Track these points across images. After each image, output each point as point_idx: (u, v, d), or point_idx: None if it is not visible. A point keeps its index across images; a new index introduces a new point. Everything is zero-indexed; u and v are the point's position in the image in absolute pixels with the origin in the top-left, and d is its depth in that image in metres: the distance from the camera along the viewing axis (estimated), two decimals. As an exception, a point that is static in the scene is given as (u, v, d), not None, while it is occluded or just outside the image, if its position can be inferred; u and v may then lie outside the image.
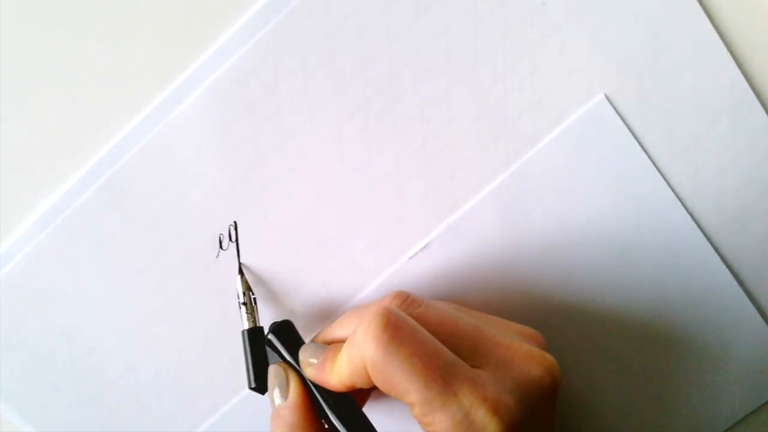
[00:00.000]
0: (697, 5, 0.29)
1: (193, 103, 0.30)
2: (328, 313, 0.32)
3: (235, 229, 0.31)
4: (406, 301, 0.28)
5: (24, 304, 0.32)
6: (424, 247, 0.32)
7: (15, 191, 0.31)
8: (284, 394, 0.28)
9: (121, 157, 0.31)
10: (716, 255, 0.31)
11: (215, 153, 0.31)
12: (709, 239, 0.31)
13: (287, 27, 0.29)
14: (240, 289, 0.31)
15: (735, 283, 0.32)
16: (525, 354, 0.26)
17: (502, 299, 0.32)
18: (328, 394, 0.27)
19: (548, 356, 0.26)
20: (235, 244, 0.31)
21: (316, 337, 0.31)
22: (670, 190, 0.31)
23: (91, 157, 0.31)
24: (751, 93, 0.30)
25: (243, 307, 0.30)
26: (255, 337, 0.30)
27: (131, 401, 0.33)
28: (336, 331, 0.29)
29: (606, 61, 0.30)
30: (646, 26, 0.29)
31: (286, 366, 0.29)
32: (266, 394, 0.29)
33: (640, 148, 0.30)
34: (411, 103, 0.30)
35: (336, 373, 0.26)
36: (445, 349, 0.25)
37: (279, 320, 0.30)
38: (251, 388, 0.29)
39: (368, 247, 0.32)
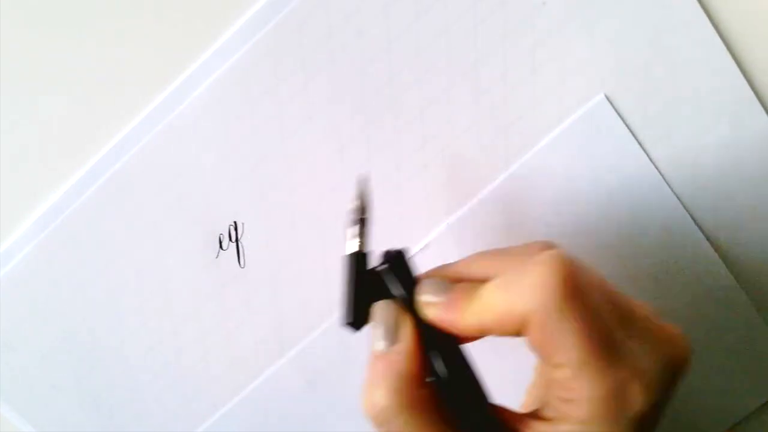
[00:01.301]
0: (697, 5, 0.29)
1: (193, 103, 0.30)
2: (327, 313, 0.32)
3: (235, 229, 0.31)
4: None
5: (24, 304, 0.32)
6: (424, 247, 0.32)
7: (15, 191, 0.31)
8: (392, 337, 0.23)
9: (121, 157, 0.31)
10: (716, 255, 0.31)
11: (215, 153, 0.31)
12: (709, 239, 0.31)
13: (287, 27, 0.29)
14: (357, 203, 0.25)
15: (735, 283, 0.32)
16: (670, 333, 0.23)
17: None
18: (441, 342, 0.23)
19: (686, 337, 0.23)
20: (235, 244, 0.31)
21: (432, 272, 0.26)
22: (670, 190, 0.31)
23: (91, 157, 0.31)
24: (751, 93, 0.30)
25: (356, 226, 0.25)
26: (360, 265, 0.25)
27: (131, 401, 0.33)
28: (468, 268, 0.25)
29: (606, 61, 0.30)
30: (646, 26, 0.29)
31: (398, 304, 0.24)
32: (366, 331, 0.24)
33: (640, 148, 0.30)
34: (411, 103, 0.30)
35: (471, 315, 0.22)
36: (612, 313, 0.22)
37: (393, 249, 0.25)
38: (346, 325, 0.24)
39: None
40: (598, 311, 0.21)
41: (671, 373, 0.22)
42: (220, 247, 0.31)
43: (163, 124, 0.30)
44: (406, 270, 0.24)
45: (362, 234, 0.25)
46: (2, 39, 0.29)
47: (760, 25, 0.30)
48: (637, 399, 0.21)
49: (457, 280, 0.24)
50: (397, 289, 0.24)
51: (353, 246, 0.25)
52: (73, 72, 0.30)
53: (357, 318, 0.24)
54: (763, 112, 0.30)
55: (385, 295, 0.24)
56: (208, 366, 0.33)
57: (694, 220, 0.31)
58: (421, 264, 0.32)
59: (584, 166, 0.31)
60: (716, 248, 0.31)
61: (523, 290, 0.21)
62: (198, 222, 0.31)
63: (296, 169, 0.31)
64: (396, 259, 0.24)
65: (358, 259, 0.25)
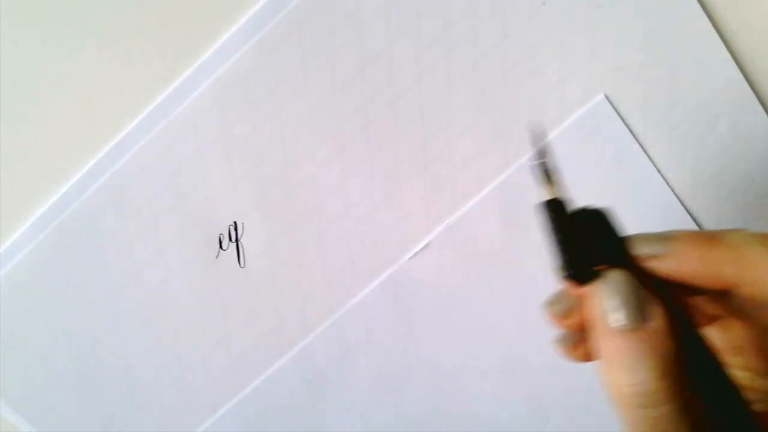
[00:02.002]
0: (697, 5, 0.29)
1: (193, 103, 0.30)
2: (327, 313, 0.32)
3: (235, 229, 0.31)
4: None
5: (24, 304, 0.32)
6: (424, 247, 0.32)
7: (15, 191, 0.31)
8: (640, 315, 0.19)
9: (121, 157, 0.31)
10: (716, 255, 0.31)
11: (215, 153, 0.31)
12: (709, 239, 0.31)
13: (287, 27, 0.29)
14: (541, 149, 0.23)
15: (735, 283, 0.32)
16: None
17: (502, 299, 0.32)
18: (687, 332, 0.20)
19: None
20: (235, 244, 0.31)
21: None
22: (670, 190, 0.31)
23: (91, 157, 0.31)
24: (751, 93, 0.30)
25: (543, 173, 0.22)
26: (561, 212, 0.22)
27: (131, 401, 0.33)
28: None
29: (606, 61, 0.30)
30: (646, 26, 0.29)
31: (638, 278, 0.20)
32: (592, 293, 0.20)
33: (640, 148, 0.30)
34: (411, 103, 0.30)
35: (721, 260, 0.19)
36: None
37: (590, 207, 0.22)
38: (568, 277, 0.20)
39: (368, 246, 0.32)
40: None
41: None
42: (220, 247, 0.31)
43: (163, 124, 0.30)
44: (614, 232, 0.21)
45: (551, 180, 0.22)
46: (2, 39, 0.29)
47: (760, 25, 0.30)
48: None
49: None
50: (615, 252, 0.20)
51: (550, 193, 0.22)
52: (74, 72, 0.30)
53: (578, 270, 0.20)
54: (763, 112, 0.30)
55: (602, 256, 0.20)
56: (208, 366, 0.33)
57: (694, 220, 0.31)
58: (421, 264, 0.32)
59: (584, 165, 0.31)
60: (716, 248, 0.31)
61: None
62: (198, 222, 0.31)
63: (296, 169, 0.31)
64: (599, 217, 0.21)
65: (556, 206, 0.21)
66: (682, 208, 0.31)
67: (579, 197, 0.32)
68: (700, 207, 0.31)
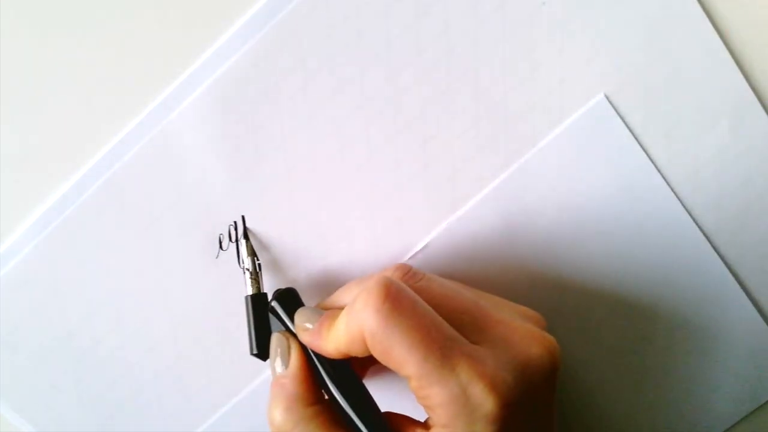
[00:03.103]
0: (697, 5, 0.29)
1: (193, 103, 0.30)
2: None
3: (235, 229, 0.31)
4: (408, 273, 0.27)
5: (24, 304, 0.32)
6: (424, 247, 0.32)
7: (15, 191, 0.31)
8: (285, 363, 0.27)
9: (121, 157, 0.31)
10: (716, 255, 0.31)
11: (215, 153, 0.31)
12: (709, 239, 0.31)
13: (287, 27, 0.29)
14: (244, 254, 0.30)
15: (735, 283, 0.32)
16: (525, 333, 0.25)
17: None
18: (329, 364, 0.27)
19: (549, 336, 0.25)
20: (235, 244, 0.31)
21: (316, 305, 0.30)
22: (670, 190, 0.31)
23: (91, 157, 0.31)
24: (751, 93, 0.30)
25: (247, 273, 0.30)
26: (258, 304, 0.29)
27: (131, 401, 0.33)
28: (337, 299, 0.29)
29: (606, 61, 0.30)
30: (646, 26, 0.29)
31: (288, 334, 0.28)
32: (267, 361, 0.29)
33: (640, 148, 0.30)
34: (411, 103, 0.30)
35: (332, 339, 0.25)
36: (444, 323, 0.24)
37: (283, 288, 0.29)
38: (253, 355, 0.29)
39: (368, 247, 0.32)
40: (425, 324, 0.24)
41: (525, 370, 0.24)
42: (220, 247, 0.31)
43: (163, 124, 0.30)
44: (295, 303, 0.29)
45: (256, 277, 0.30)
46: (2, 39, 0.29)
47: (760, 25, 0.30)
48: (485, 399, 0.23)
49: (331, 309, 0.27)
50: (288, 321, 0.28)
51: (249, 290, 0.30)
52: (73, 72, 0.30)
53: (260, 349, 0.29)
54: (763, 112, 0.30)
55: (282, 327, 0.28)
56: (208, 366, 0.33)
57: (694, 220, 0.31)
58: (420, 264, 0.32)
59: (584, 166, 0.31)
60: (716, 248, 0.31)
61: (358, 313, 0.24)
62: (198, 222, 0.31)
63: (296, 169, 0.31)
64: (284, 295, 0.29)
65: (255, 300, 0.29)
66: (682, 208, 0.31)
67: (579, 197, 0.32)
68: (700, 207, 0.31)
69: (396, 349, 0.23)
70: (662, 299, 0.32)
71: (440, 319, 0.24)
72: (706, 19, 0.29)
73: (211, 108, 0.30)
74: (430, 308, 0.24)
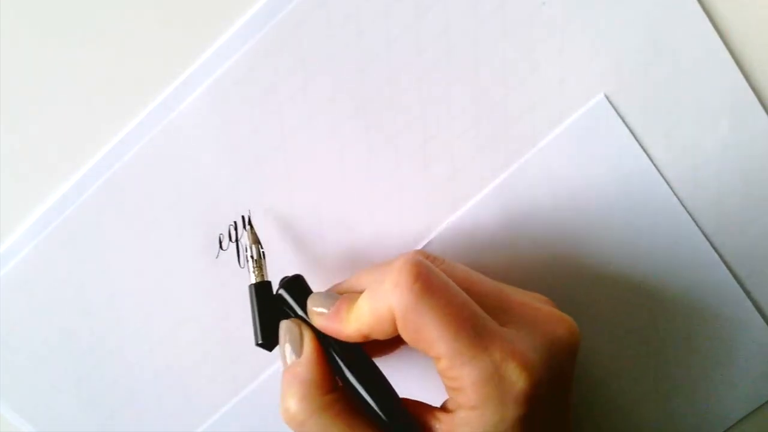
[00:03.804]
0: (697, 5, 0.29)
1: (193, 103, 0.30)
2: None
3: (235, 229, 0.31)
4: (429, 257, 0.27)
5: (24, 304, 0.32)
6: (425, 246, 0.32)
7: (15, 191, 0.31)
8: (297, 351, 0.26)
9: (121, 157, 0.31)
10: (716, 255, 0.31)
11: (215, 153, 0.31)
12: (709, 239, 0.31)
13: (287, 27, 0.29)
14: (249, 241, 0.29)
15: (735, 283, 0.32)
16: (548, 314, 0.25)
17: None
18: (342, 350, 0.26)
19: (569, 318, 0.26)
20: (235, 244, 0.31)
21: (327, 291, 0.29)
22: (670, 190, 0.31)
23: (91, 157, 0.31)
24: (751, 93, 0.30)
25: (251, 260, 0.29)
26: (262, 292, 0.28)
27: (131, 401, 0.33)
28: (350, 284, 0.28)
29: (606, 61, 0.30)
30: (646, 26, 0.29)
31: (300, 321, 0.27)
32: (276, 350, 0.28)
33: (640, 148, 0.30)
34: (411, 103, 0.30)
35: (353, 321, 0.25)
36: (474, 303, 0.24)
37: (290, 275, 0.29)
38: (258, 345, 0.28)
39: (368, 247, 0.32)
40: (457, 303, 0.23)
41: (551, 351, 0.24)
42: (220, 247, 0.31)
43: (162, 124, 0.30)
44: (303, 291, 0.28)
45: (260, 265, 0.29)
46: (2, 39, 0.29)
47: (760, 25, 0.30)
48: (518, 378, 0.23)
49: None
50: (298, 309, 0.27)
51: (253, 278, 0.29)
52: (73, 72, 0.30)
53: (265, 339, 0.28)
54: (763, 112, 0.30)
55: (290, 315, 0.28)
56: (209, 366, 0.33)
57: (694, 220, 0.31)
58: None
59: (584, 166, 0.31)
60: (716, 248, 0.31)
61: (384, 294, 0.24)
62: (198, 222, 0.31)
63: (296, 169, 0.31)
64: (292, 283, 0.28)
65: (259, 287, 0.28)
66: (682, 208, 0.31)
67: (579, 197, 0.32)
68: (700, 207, 0.31)
69: (427, 328, 0.23)
70: (662, 299, 0.32)
71: (470, 299, 0.24)
72: (706, 19, 0.29)
73: (211, 108, 0.30)
74: (459, 289, 0.24)
